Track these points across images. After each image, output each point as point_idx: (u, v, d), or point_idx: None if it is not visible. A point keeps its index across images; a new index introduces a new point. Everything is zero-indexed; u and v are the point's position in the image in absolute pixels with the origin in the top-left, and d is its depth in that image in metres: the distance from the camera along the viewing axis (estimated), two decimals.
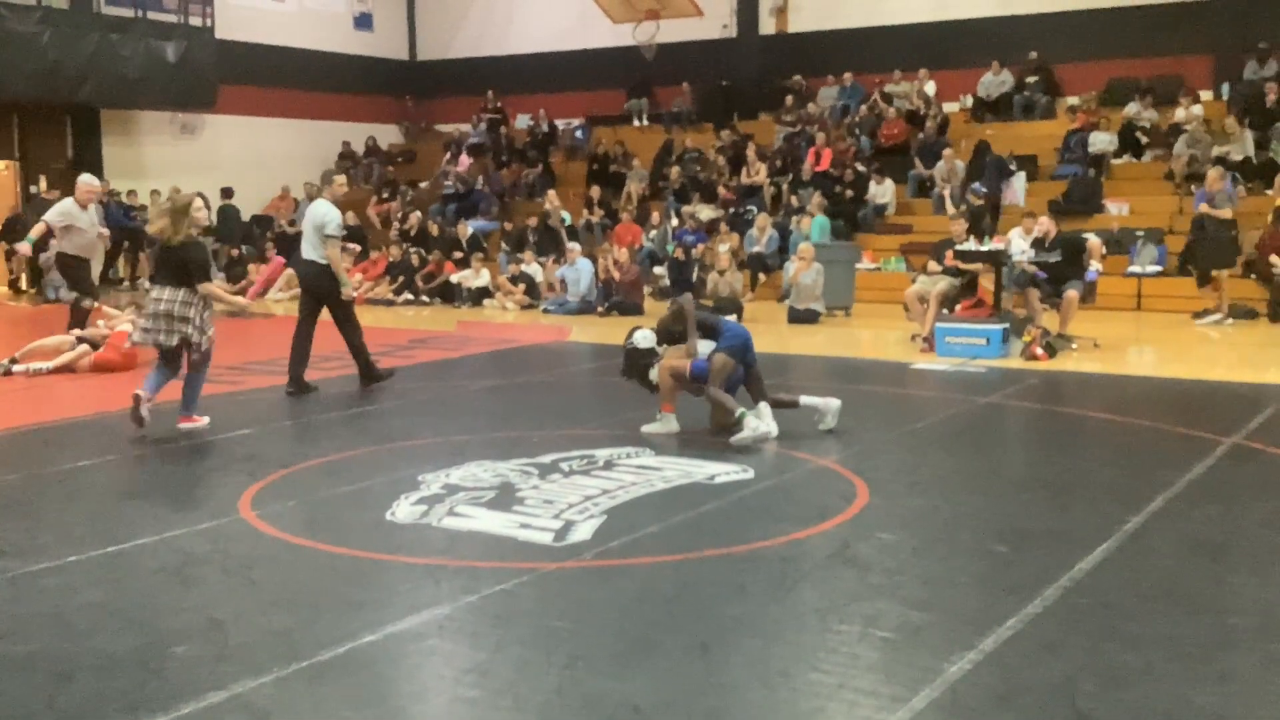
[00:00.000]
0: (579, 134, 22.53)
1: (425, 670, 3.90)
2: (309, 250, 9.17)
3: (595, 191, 19.73)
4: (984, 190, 16.05)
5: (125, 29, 19.42)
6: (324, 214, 9.11)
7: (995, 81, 19.38)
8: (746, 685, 3.70)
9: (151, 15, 19.86)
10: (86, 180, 11.66)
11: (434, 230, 19.19)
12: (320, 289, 9.19)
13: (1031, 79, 19.05)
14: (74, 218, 11.29)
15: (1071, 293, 11.29)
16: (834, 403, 7.48)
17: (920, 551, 5.15)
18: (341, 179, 10.10)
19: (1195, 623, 4.23)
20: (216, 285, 8.93)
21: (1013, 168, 17.19)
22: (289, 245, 19.78)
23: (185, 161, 20.74)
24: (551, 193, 19.19)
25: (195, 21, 20.39)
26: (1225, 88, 17.82)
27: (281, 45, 22.63)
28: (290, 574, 4.93)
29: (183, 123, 21.35)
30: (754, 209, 17.70)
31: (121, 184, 19.98)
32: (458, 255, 18.07)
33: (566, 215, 18.53)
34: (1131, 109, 17.71)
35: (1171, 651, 3.94)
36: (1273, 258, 13.67)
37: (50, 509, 6.04)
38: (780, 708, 3.57)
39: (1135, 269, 14.86)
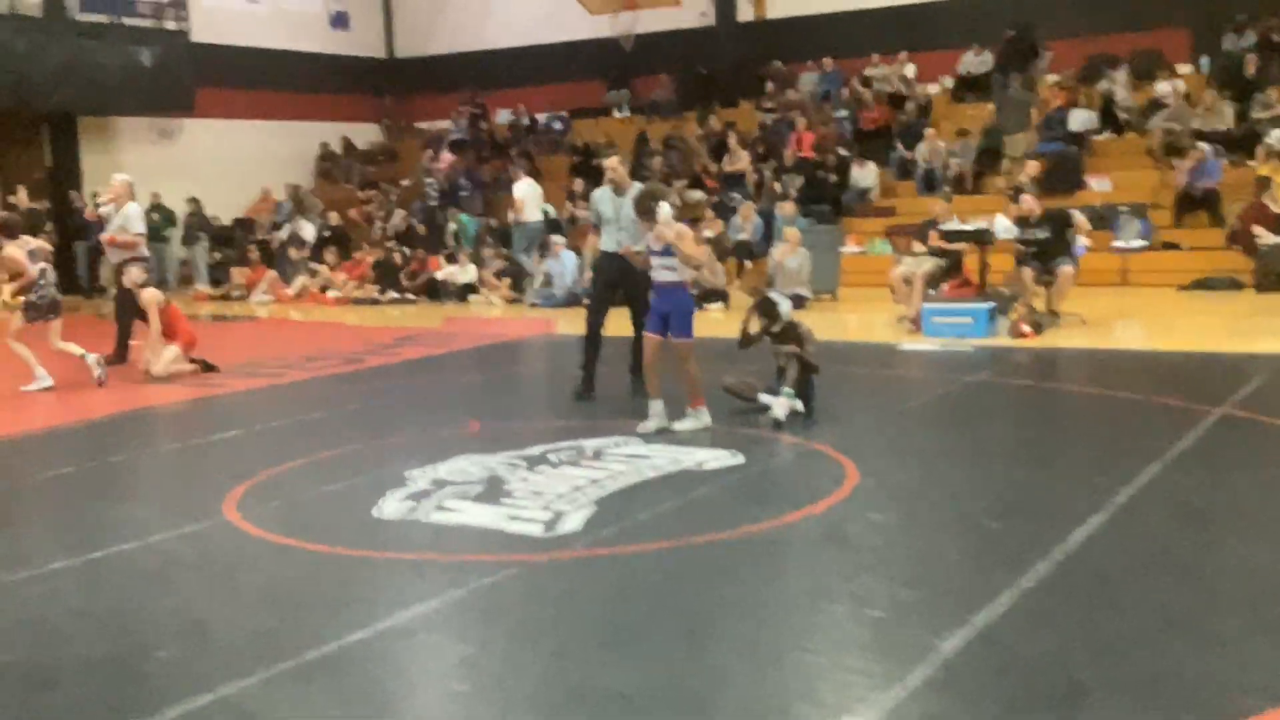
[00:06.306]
0: (556, 126, 22.45)
1: (413, 666, 3.86)
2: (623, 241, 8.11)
3: (578, 184, 19.65)
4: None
5: (100, 35, 19.24)
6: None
7: (976, 61, 19.34)
8: (737, 669, 3.66)
9: (126, 20, 19.70)
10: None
11: (421, 230, 19.11)
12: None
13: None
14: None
15: (1068, 268, 11.24)
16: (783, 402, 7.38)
17: (911, 530, 5.12)
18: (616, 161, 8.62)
19: (1186, 590, 4.21)
20: None
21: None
22: (269, 250, 19.76)
23: (164, 166, 20.57)
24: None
25: (170, 26, 20.22)
26: (1205, 60, 17.81)
27: (258, 47, 22.45)
28: (275, 574, 4.87)
29: (161, 128, 21.20)
30: (738, 196, 17.64)
31: (102, 191, 19.83)
32: (443, 253, 18.00)
33: (550, 208, 18.45)
34: (1104, 84, 17.69)
35: (1163, 619, 3.92)
36: (1256, 228, 13.67)
37: (33, 517, 5.99)
38: (772, 690, 3.53)
39: (1120, 244, 14.85)
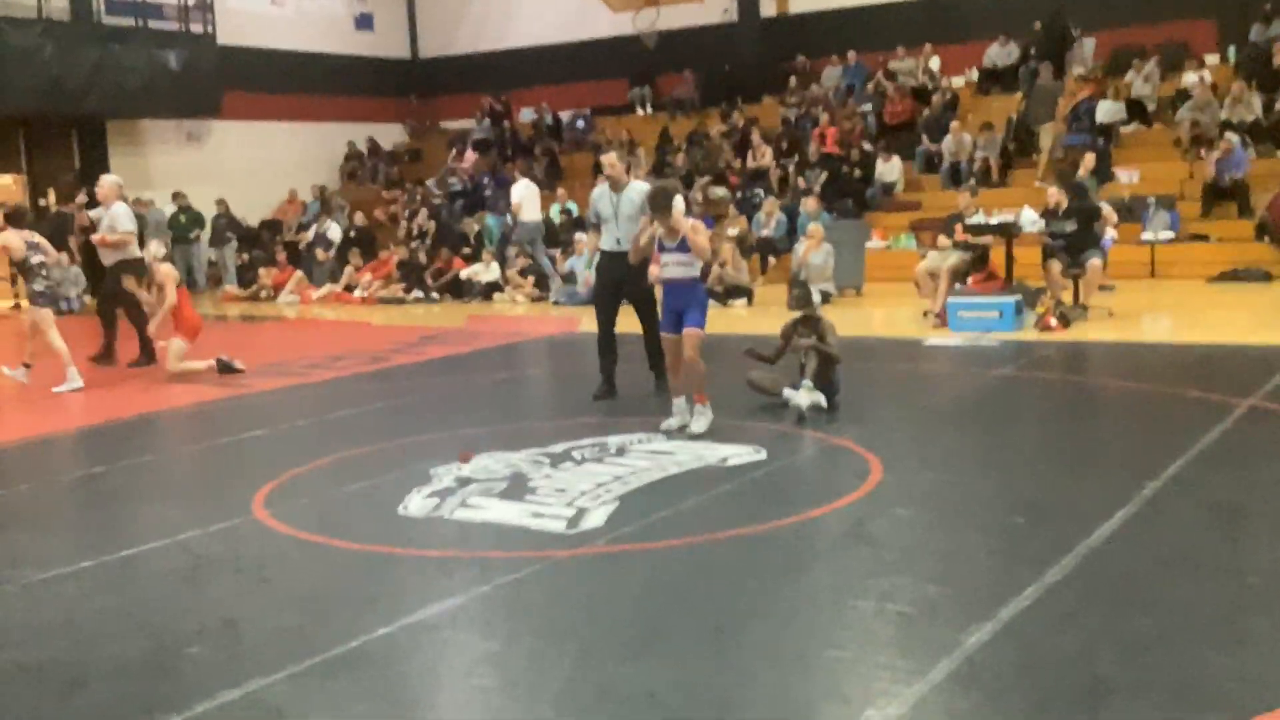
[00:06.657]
0: (580, 124, 22.49)
1: (439, 662, 3.88)
2: (622, 239, 7.90)
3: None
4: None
5: (127, 39, 19.42)
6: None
7: (1002, 53, 19.23)
8: (762, 666, 3.66)
9: (153, 24, 19.86)
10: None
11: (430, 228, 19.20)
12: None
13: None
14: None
15: (1096, 261, 11.15)
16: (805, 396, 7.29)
17: (936, 526, 5.11)
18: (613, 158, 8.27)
19: (1213, 586, 4.18)
20: None
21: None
22: (297, 250, 19.88)
23: (192, 169, 20.77)
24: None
25: (196, 29, 20.39)
26: (1231, 51, 17.65)
27: (283, 49, 22.61)
28: (303, 571, 4.91)
29: (188, 130, 21.36)
30: (761, 193, 17.62)
31: (130, 194, 19.99)
32: (466, 251, 18.07)
33: (573, 206, 18.50)
34: (1129, 75, 17.55)
35: (1189, 616, 3.90)
36: None
37: (64, 516, 6.06)
38: (796, 686, 3.53)
39: (1148, 236, 14.74)
